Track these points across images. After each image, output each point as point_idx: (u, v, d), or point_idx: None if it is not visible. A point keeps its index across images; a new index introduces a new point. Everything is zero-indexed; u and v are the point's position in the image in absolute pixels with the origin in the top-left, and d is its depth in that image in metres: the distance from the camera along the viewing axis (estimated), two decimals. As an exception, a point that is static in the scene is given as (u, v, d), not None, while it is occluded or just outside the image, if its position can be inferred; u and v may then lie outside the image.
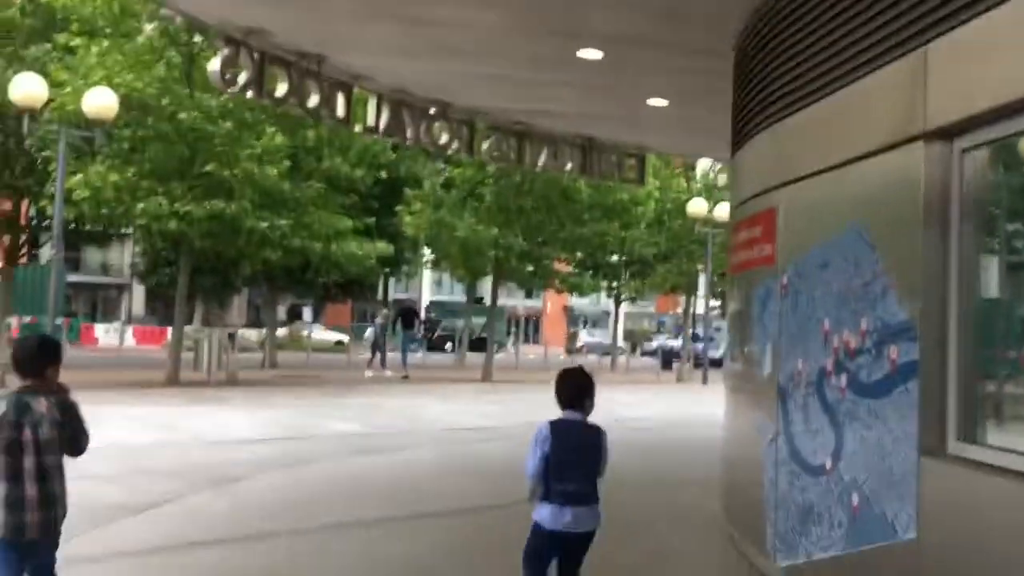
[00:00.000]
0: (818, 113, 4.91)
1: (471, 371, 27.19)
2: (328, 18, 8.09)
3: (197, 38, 18.60)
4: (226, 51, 9.00)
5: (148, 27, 19.05)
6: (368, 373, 24.44)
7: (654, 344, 43.17)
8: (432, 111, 11.56)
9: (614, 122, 11.90)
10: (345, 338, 37.02)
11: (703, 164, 34.35)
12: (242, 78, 9.40)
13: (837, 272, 4.68)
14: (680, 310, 49.33)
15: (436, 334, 40.68)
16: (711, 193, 29.90)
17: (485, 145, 12.82)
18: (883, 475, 4.13)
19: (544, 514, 4.28)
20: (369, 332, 27.45)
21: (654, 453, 11.26)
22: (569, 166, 13.77)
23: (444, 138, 11.96)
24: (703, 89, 9.02)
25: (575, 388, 4.37)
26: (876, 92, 4.30)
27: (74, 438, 3.82)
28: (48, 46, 20.14)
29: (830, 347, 4.70)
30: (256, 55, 9.18)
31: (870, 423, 4.26)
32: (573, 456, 4.26)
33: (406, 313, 27.02)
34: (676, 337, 44.84)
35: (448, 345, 38.96)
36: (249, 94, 9.70)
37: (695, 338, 40.00)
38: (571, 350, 42.09)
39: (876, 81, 4.29)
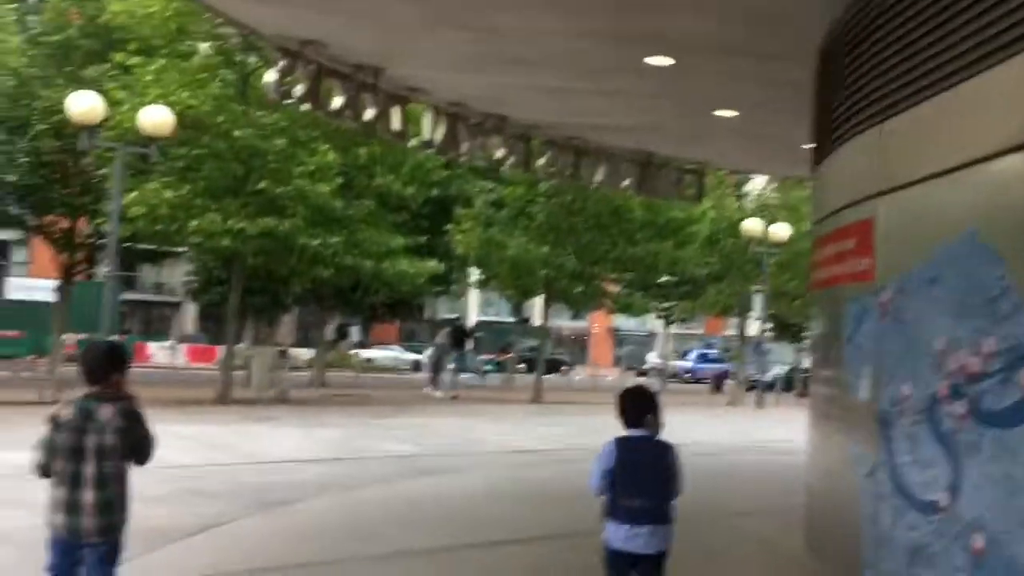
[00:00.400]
0: (929, 112, 4.48)
1: (520, 392, 26.78)
2: (392, 27, 7.86)
3: (252, 57, 18.63)
4: (282, 63, 8.83)
5: (204, 46, 19.17)
6: (436, 393, 23.95)
7: (684, 363, 43.11)
8: (488, 125, 11.31)
9: (676, 136, 11.53)
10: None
11: (757, 182, 33.76)
12: (297, 91, 9.22)
13: (952, 287, 4.24)
14: (729, 332, 48.63)
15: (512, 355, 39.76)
16: (766, 212, 29.24)
17: (541, 161, 12.53)
18: (1015, 514, 3.67)
19: (610, 532, 4.22)
20: (430, 351, 27.19)
21: (717, 480, 10.76)
22: (626, 183, 13.39)
23: (499, 153, 11.68)
24: (775, 99, 8.63)
25: (638, 405, 4.33)
26: (1006, 84, 3.86)
27: (138, 445, 3.80)
28: (106, 66, 20.34)
29: (944, 371, 4.26)
30: (312, 67, 9.00)
31: (997, 455, 3.81)
32: (638, 472, 4.19)
33: (456, 331, 26.67)
34: (684, 357, 45.50)
35: (523, 366, 38.06)
36: (304, 107, 9.53)
37: (704, 358, 40.22)
38: (642, 372, 41.69)
39: (1006, 72, 3.85)
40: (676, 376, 40.58)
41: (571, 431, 16.56)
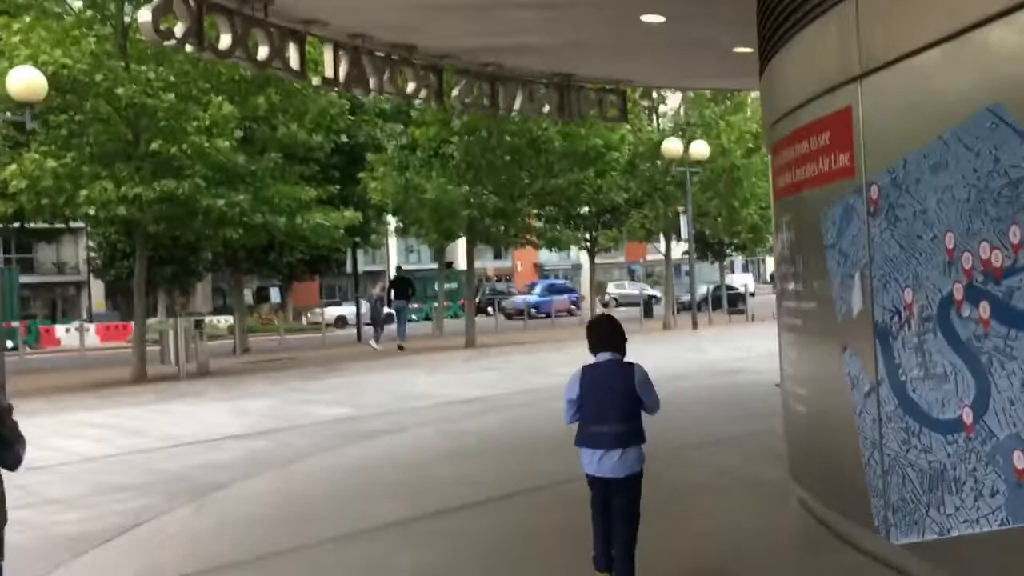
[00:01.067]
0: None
1: (451, 338, 26.20)
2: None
3: (129, 4, 17.17)
4: (157, -2, 7.83)
5: (76, 3, 17.62)
6: (376, 345, 24.00)
7: (529, 297, 40.58)
8: (395, 57, 10.45)
9: (597, 52, 10.79)
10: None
11: (671, 103, 33.29)
12: (179, 30, 8.24)
13: (962, 172, 3.68)
14: (650, 257, 48.69)
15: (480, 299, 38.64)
16: (683, 131, 28.87)
17: (455, 92, 11.73)
18: (1068, 428, 3.18)
19: (583, 458, 4.27)
20: (365, 306, 27.25)
21: (670, 411, 10.31)
22: (546, 108, 12.72)
23: (411, 87, 10.86)
24: (706, -2, 7.95)
25: (600, 331, 4.36)
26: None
27: (5, 444, 3.30)
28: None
29: (958, 268, 3.73)
30: (193, 2, 8.03)
31: (1038, 361, 3.30)
32: (602, 397, 4.18)
33: (401, 282, 25.98)
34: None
35: (489, 309, 36.43)
36: (189, 48, 8.53)
37: (551, 289, 40.07)
38: (604, 303, 41.94)
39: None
40: (520, 314, 35.25)
41: (508, 375, 16.00)
